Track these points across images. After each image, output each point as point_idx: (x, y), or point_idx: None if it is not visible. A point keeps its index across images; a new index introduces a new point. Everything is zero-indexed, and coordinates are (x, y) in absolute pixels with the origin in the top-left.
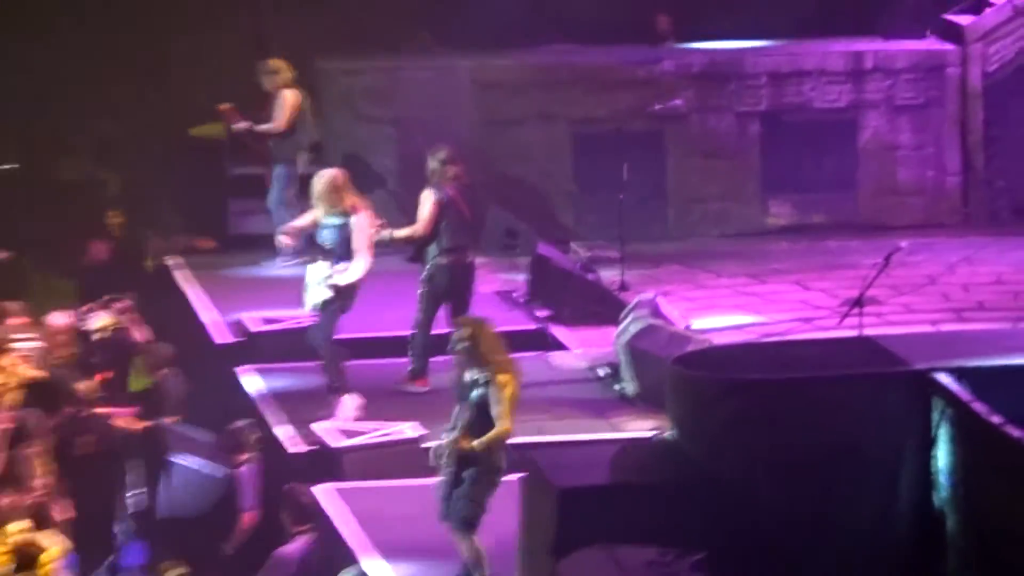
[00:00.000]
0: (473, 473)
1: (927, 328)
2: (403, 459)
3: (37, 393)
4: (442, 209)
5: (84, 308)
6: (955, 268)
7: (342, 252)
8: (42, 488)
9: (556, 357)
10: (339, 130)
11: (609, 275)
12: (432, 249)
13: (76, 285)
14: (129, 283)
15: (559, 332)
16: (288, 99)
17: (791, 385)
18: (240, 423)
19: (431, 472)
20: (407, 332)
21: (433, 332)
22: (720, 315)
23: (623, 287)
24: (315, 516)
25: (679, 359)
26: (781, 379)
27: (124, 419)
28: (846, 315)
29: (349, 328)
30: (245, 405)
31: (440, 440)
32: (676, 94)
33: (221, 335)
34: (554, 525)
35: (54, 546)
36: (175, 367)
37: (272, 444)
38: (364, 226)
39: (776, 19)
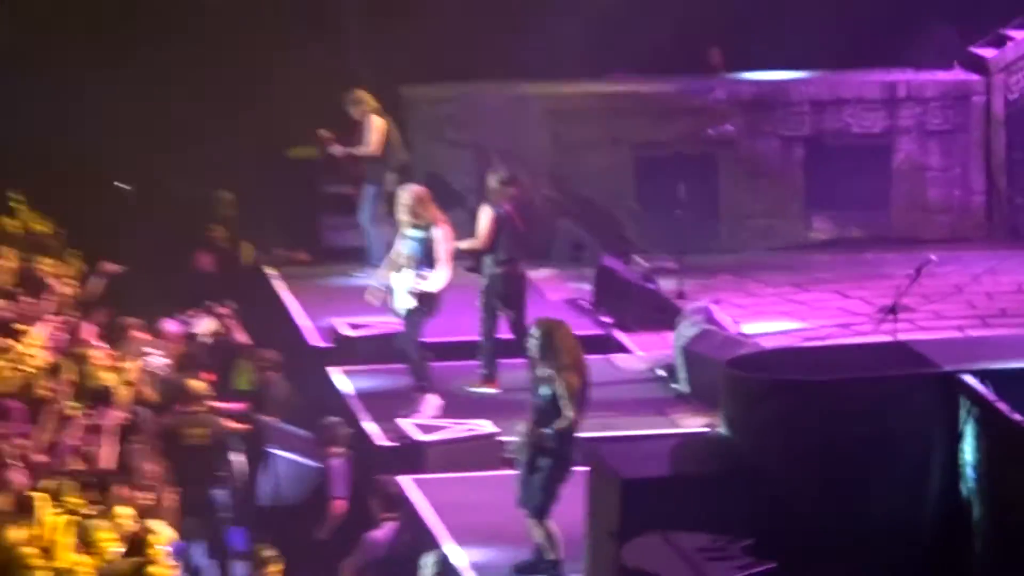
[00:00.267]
0: (547, 463)
1: (955, 333)
2: (479, 453)
3: (150, 391)
4: (499, 224)
5: (189, 313)
6: (980, 278)
7: (424, 262)
8: (152, 479)
9: (619, 359)
10: (423, 152)
11: (667, 284)
12: (488, 260)
13: (182, 293)
14: (231, 291)
15: (622, 336)
16: (377, 125)
17: (832, 385)
18: (332, 419)
19: (504, 465)
20: (478, 337)
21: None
22: (767, 321)
23: (680, 295)
24: (400, 504)
25: (731, 361)
26: (823, 380)
27: (231, 414)
28: (881, 321)
29: (431, 333)
30: (337, 403)
31: (516, 435)
32: (727, 120)
33: (315, 339)
34: (617, 512)
35: (162, 533)
36: (277, 369)
37: (361, 439)
38: (444, 239)
39: (817, 52)
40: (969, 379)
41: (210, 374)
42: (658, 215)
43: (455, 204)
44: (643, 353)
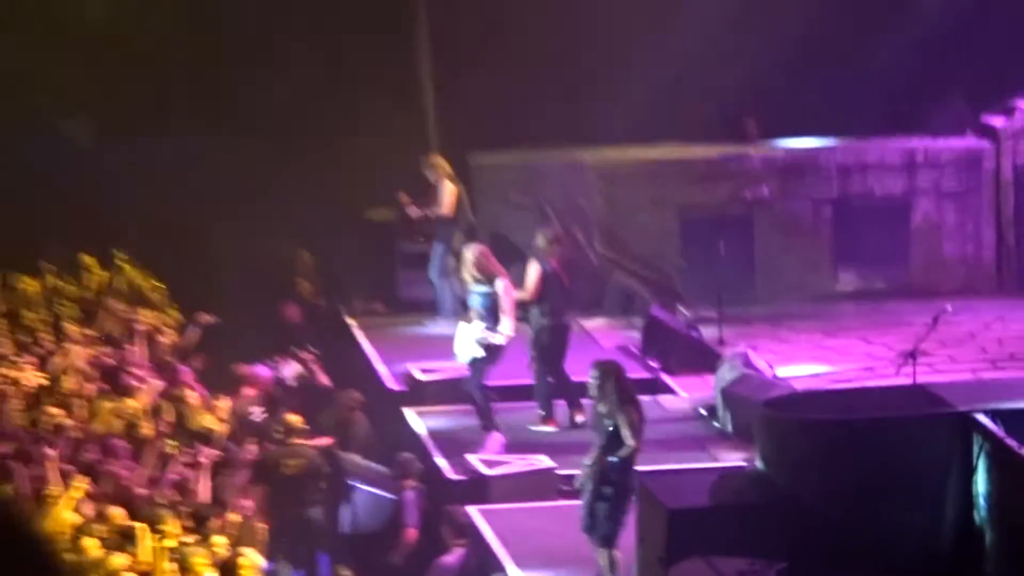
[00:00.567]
0: (611, 492)
1: (968, 376)
2: (538, 485)
3: (245, 429)
4: (546, 279)
5: (277, 359)
6: (991, 326)
7: (488, 315)
8: (244, 510)
9: (666, 400)
10: (488, 213)
11: (709, 332)
12: (535, 311)
13: (271, 341)
14: (316, 339)
15: (668, 379)
16: (449, 188)
17: (857, 424)
18: (406, 455)
19: (563, 495)
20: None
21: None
22: (799, 365)
23: (720, 342)
24: (468, 532)
25: (767, 402)
26: (850, 419)
27: (319, 449)
28: (902, 365)
29: (493, 377)
30: (411, 440)
31: (581, 468)
32: (762, 184)
33: (391, 383)
34: (664, 539)
35: (253, 559)
36: (358, 409)
37: (433, 473)
38: (506, 293)
39: (843, 122)
40: (982, 418)
41: (296, 414)
42: (700, 270)
43: (517, 261)
44: (687, 394)
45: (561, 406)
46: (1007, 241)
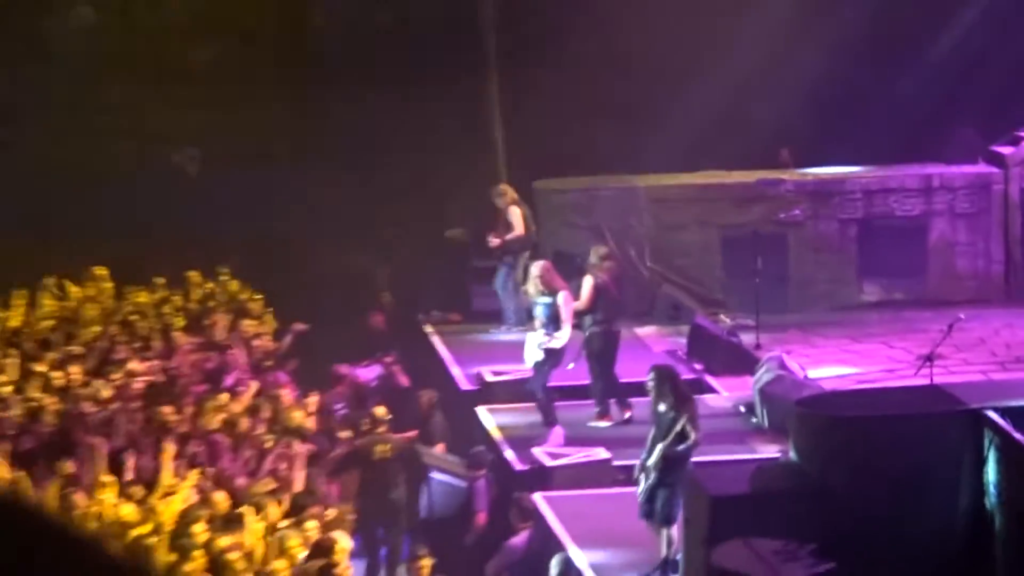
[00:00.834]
0: (672, 480)
1: (979, 377)
2: (596, 474)
3: (333, 422)
4: (598, 291)
5: (364, 362)
6: (999, 332)
7: (551, 323)
8: (333, 496)
9: (709, 399)
10: (550, 233)
11: (747, 338)
12: (588, 320)
13: (357, 346)
14: (397, 344)
15: (711, 380)
16: (520, 213)
17: (881, 421)
18: (478, 448)
19: (619, 484)
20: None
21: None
22: (828, 367)
23: (757, 347)
24: (533, 516)
25: (799, 401)
26: (874, 416)
27: (403, 442)
28: (920, 368)
29: (556, 378)
30: (482, 435)
31: (639, 460)
32: (795, 206)
33: (464, 384)
34: (707, 523)
35: (342, 540)
36: (436, 407)
37: (501, 463)
38: (566, 304)
39: (867, 151)
40: (992, 414)
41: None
42: (740, 282)
43: (576, 276)
44: (728, 394)
45: (615, 404)
46: (1014, 257)
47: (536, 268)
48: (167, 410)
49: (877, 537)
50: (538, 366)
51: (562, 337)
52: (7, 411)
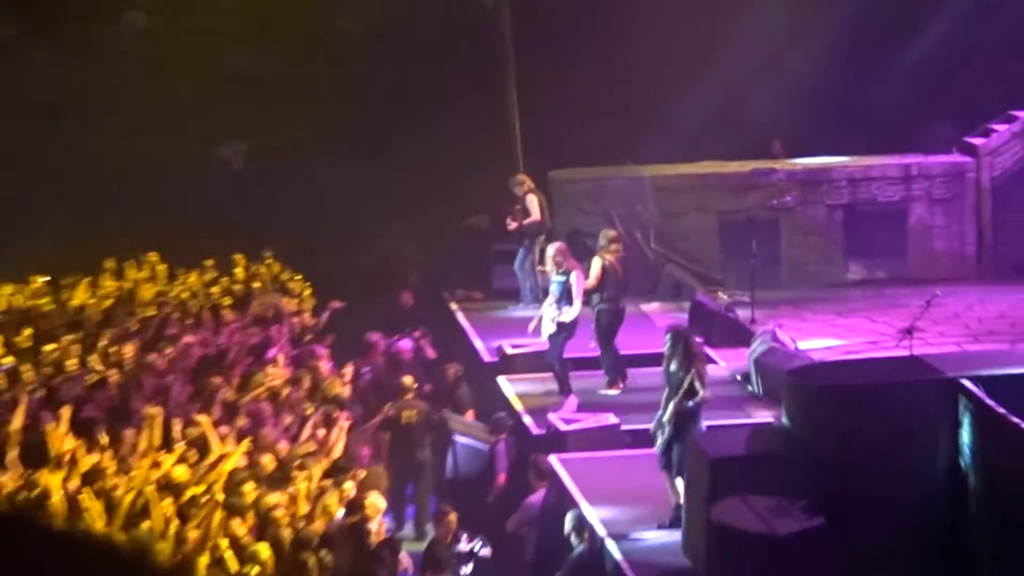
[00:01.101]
0: (685, 433)
1: (955, 348)
2: (606, 438)
3: (366, 389)
4: (605, 272)
5: (396, 337)
6: (973, 307)
7: (564, 299)
8: (367, 459)
9: (709, 369)
10: (564, 218)
11: (743, 313)
12: (595, 298)
13: (388, 321)
14: (425, 320)
15: (710, 351)
16: (536, 200)
17: (865, 389)
18: (499, 414)
19: (627, 447)
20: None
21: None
22: (817, 340)
23: (752, 321)
24: (549, 476)
25: (790, 371)
26: (858, 384)
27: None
28: (901, 340)
29: (569, 350)
30: (502, 402)
31: (656, 418)
32: (786, 194)
33: (486, 356)
34: (707, 482)
35: (376, 499)
36: (461, 377)
37: (520, 428)
38: (579, 283)
39: (852, 143)
40: (966, 382)
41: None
42: (736, 263)
43: (587, 257)
44: (725, 364)
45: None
46: (986, 238)
47: (552, 249)
48: (216, 381)
49: (862, 494)
50: (552, 338)
51: (572, 312)
52: (73, 382)
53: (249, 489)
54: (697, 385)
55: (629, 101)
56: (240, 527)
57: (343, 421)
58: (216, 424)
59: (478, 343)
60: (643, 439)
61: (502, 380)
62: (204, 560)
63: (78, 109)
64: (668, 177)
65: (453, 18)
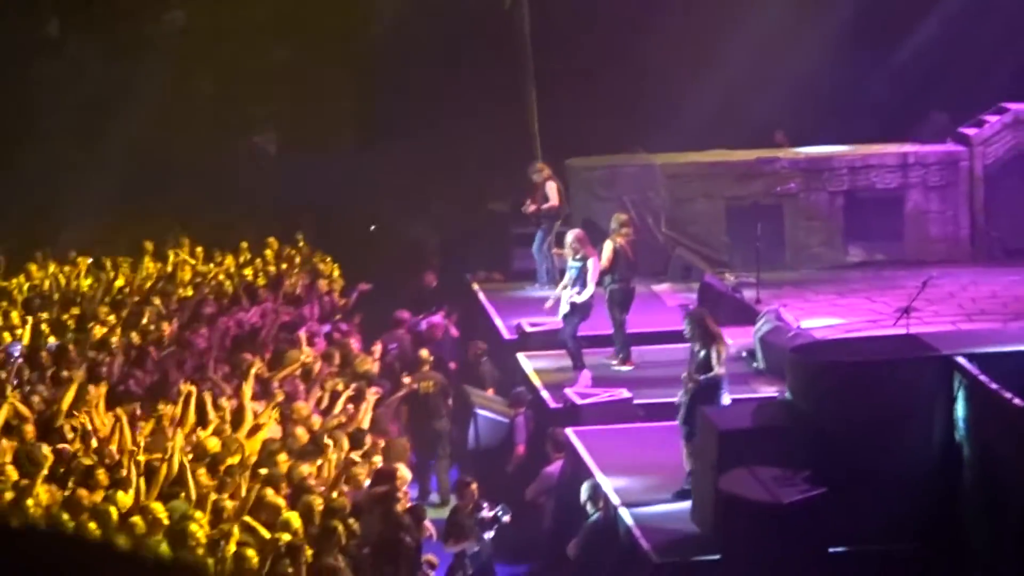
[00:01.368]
0: (698, 406)
1: (949, 327)
2: (620, 411)
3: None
4: (616, 254)
5: (420, 316)
6: (966, 288)
7: (580, 283)
8: (394, 432)
9: None
10: (580, 205)
11: (749, 294)
12: (608, 279)
13: (413, 301)
14: (447, 299)
15: None
16: (554, 187)
17: (864, 365)
18: (518, 389)
19: (640, 420)
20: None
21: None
22: (819, 319)
23: (758, 301)
24: (565, 448)
25: (794, 348)
26: (858, 361)
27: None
28: (898, 319)
29: (584, 329)
30: (521, 377)
31: (680, 393)
32: (790, 181)
33: (507, 333)
34: (715, 453)
35: (401, 470)
36: (483, 353)
37: (538, 402)
38: (594, 266)
39: (852, 132)
40: (960, 360)
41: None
42: (742, 246)
43: (602, 241)
44: (732, 342)
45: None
46: (978, 223)
47: (571, 236)
48: (250, 357)
49: (862, 465)
50: (567, 318)
51: (585, 294)
52: (115, 357)
53: (283, 459)
54: (714, 362)
55: (641, 95)
56: (274, 497)
57: (371, 395)
58: (252, 399)
59: (498, 321)
60: (655, 412)
61: (521, 357)
62: (237, 530)
63: (121, 102)
64: (678, 165)
65: (476, 18)
